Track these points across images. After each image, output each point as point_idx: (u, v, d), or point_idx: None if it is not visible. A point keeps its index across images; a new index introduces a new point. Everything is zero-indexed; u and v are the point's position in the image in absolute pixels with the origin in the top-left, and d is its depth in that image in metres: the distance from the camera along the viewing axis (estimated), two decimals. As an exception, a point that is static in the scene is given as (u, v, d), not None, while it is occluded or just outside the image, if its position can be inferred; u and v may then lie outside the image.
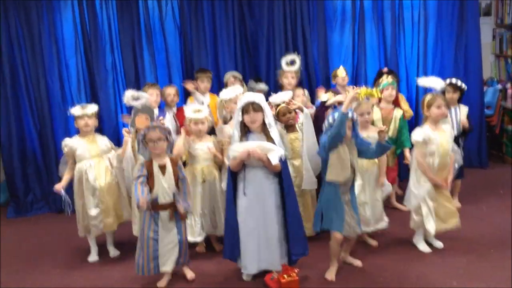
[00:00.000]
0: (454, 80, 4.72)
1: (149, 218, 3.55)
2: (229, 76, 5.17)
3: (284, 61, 5.18)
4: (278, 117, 4.17)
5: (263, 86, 5.11)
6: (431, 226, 3.92)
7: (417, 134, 3.90)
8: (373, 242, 4.20)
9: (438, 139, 3.86)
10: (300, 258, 3.67)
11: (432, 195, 3.90)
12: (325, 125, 3.51)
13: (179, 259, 3.66)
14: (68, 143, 4.12)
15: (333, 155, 3.44)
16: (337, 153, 3.43)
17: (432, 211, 3.91)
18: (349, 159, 3.46)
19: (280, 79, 5.17)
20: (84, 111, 4.10)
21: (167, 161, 3.56)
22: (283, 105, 4.14)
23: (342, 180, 3.47)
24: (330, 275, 3.65)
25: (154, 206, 3.53)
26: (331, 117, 3.46)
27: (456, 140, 4.78)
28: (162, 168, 3.53)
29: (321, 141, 3.53)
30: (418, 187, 3.94)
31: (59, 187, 4.15)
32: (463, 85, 4.73)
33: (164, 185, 3.51)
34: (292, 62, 5.16)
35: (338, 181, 3.46)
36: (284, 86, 5.09)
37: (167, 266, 3.62)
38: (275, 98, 4.18)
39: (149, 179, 3.51)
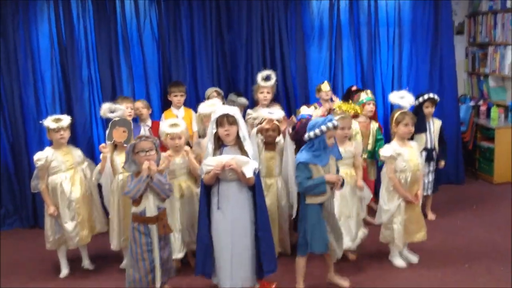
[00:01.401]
0: (431, 95, 4.87)
1: (139, 233, 3.47)
2: (212, 91, 5.15)
3: (260, 76, 5.18)
4: (261, 130, 4.16)
5: (243, 100, 5.10)
6: (400, 242, 3.98)
7: (385, 150, 3.98)
8: (352, 256, 4.21)
9: (406, 154, 3.95)
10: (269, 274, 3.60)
11: (402, 210, 3.95)
12: (308, 135, 3.47)
13: (163, 278, 3.54)
14: (42, 156, 4.03)
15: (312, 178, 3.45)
16: (315, 175, 3.43)
17: (402, 226, 3.96)
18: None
19: (255, 95, 5.17)
20: (60, 124, 4.02)
21: None
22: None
23: (322, 201, 3.47)
24: None
25: (142, 219, 3.45)
26: (317, 129, 3.42)
27: (430, 153, 4.89)
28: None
29: (299, 154, 3.52)
30: (388, 203, 4.00)
31: (52, 211, 4.05)
32: (436, 97, 4.90)
33: (151, 197, 3.44)
34: (267, 78, 5.16)
35: (318, 202, 3.46)
36: (259, 101, 5.10)
37: (157, 283, 3.52)
38: (269, 112, 4.16)
39: None
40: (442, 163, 5.08)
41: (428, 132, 4.91)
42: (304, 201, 3.52)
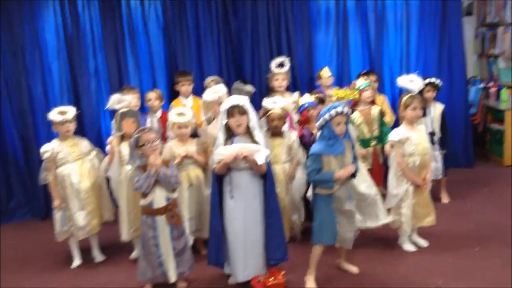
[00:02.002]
0: (433, 80, 4.83)
1: (146, 225, 3.52)
2: (209, 81, 5.16)
3: (273, 63, 5.18)
4: (267, 121, 4.16)
5: (250, 88, 5.10)
6: (408, 226, 3.98)
7: (394, 135, 3.96)
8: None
9: (415, 138, 3.92)
10: (279, 263, 3.60)
11: (410, 195, 3.95)
12: (317, 125, 3.47)
13: (179, 270, 3.59)
14: (49, 148, 4.05)
15: (322, 169, 3.43)
16: (326, 166, 3.41)
17: (410, 211, 3.95)
18: (338, 168, 3.43)
19: (270, 82, 5.16)
20: (65, 117, 4.04)
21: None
22: (274, 111, 4.12)
23: (330, 193, 3.46)
24: (311, 283, 3.61)
25: (150, 211, 3.49)
26: (321, 120, 3.41)
27: (430, 138, 4.85)
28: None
29: (311, 152, 3.49)
30: (397, 188, 3.99)
31: (57, 205, 4.11)
32: (437, 82, 4.86)
33: (158, 188, 3.47)
34: (281, 64, 5.16)
35: (328, 193, 3.45)
36: (274, 89, 5.09)
37: (171, 276, 3.58)
38: (271, 104, 4.17)
39: None
40: (444, 152, 5.02)
41: (428, 116, 4.87)
42: (314, 190, 3.53)
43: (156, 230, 3.51)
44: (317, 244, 3.57)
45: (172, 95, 5.48)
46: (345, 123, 3.43)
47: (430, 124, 4.88)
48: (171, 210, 3.52)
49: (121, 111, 4.09)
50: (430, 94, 4.85)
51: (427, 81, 4.78)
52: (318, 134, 3.53)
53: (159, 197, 3.49)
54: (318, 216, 3.53)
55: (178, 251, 3.57)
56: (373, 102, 4.73)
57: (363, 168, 4.20)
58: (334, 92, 4.20)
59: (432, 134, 4.87)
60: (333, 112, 3.36)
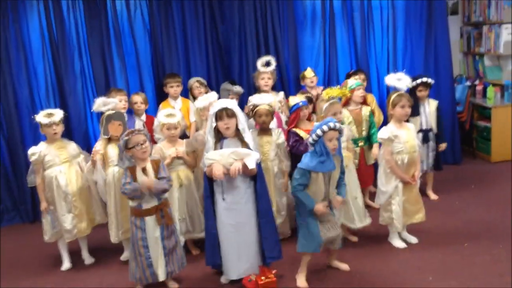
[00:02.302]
0: (425, 79, 4.87)
1: (135, 227, 3.50)
2: (194, 81, 5.15)
3: (259, 62, 5.19)
4: (255, 118, 4.16)
5: (238, 88, 5.11)
6: (399, 223, 4.00)
7: (383, 132, 3.98)
8: (353, 238, 4.23)
9: (404, 136, 3.95)
10: (273, 262, 3.63)
11: (400, 192, 3.97)
12: (309, 141, 3.44)
13: (168, 269, 3.58)
14: (36, 151, 4.02)
15: (310, 184, 3.43)
16: (314, 182, 3.41)
17: (400, 207, 3.97)
18: (322, 185, 3.43)
19: (256, 81, 5.17)
20: (52, 119, 4.00)
21: (147, 165, 3.51)
22: (262, 107, 4.11)
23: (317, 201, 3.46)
24: (302, 282, 3.61)
25: (139, 212, 3.48)
26: (313, 135, 3.39)
27: (426, 134, 4.89)
28: (145, 172, 3.48)
29: (304, 158, 3.48)
30: (386, 185, 4.01)
31: (43, 208, 4.08)
32: (429, 80, 4.90)
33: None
34: (267, 63, 5.17)
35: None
36: (260, 88, 5.09)
37: (160, 275, 3.56)
38: (258, 99, 4.17)
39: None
40: (443, 145, 5.09)
41: (423, 114, 4.92)
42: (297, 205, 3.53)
43: (145, 231, 3.49)
44: (303, 252, 3.57)
45: (158, 97, 5.46)
46: (337, 138, 3.41)
47: (425, 121, 4.93)
48: (162, 209, 3.51)
49: (106, 113, 4.06)
50: (423, 93, 4.89)
51: (419, 80, 4.84)
52: (310, 148, 3.50)
53: (148, 198, 3.47)
54: (302, 226, 3.53)
55: (168, 250, 3.56)
56: (364, 102, 4.74)
57: (352, 169, 4.19)
58: (326, 91, 4.21)
59: (428, 131, 4.93)
60: (325, 127, 3.33)
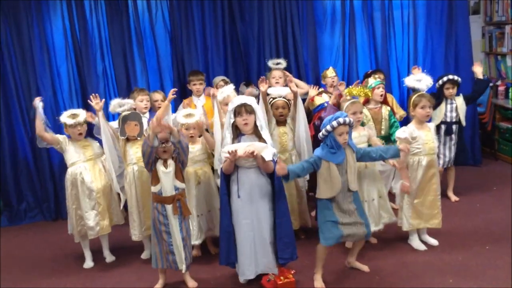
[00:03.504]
0: (450, 77, 4.87)
1: (157, 212, 3.56)
2: (219, 80, 5.18)
3: (271, 62, 5.21)
4: (271, 109, 4.18)
5: (252, 90, 5.11)
6: (406, 222, 4.00)
7: (401, 132, 3.97)
8: (373, 240, 4.22)
9: (423, 137, 3.93)
10: (288, 263, 3.61)
11: (413, 193, 3.95)
12: (320, 135, 3.47)
13: (187, 261, 3.62)
14: (63, 141, 4.15)
15: (320, 175, 3.45)
16: (325, 172, 3.43)
17: (409, 207, 3.97)
18: (338, 175, 3.43)
19: (268, 81, 5.16)
20: (77, 120, 4.08)
21: (169, 160, 3.56)
22: (279, 99, 4.14)
23: (331, 196, 3.47)
24: (319, 283, 3.61)
25: (160, 199, 3.54)
26: (324, 130, 3.43)
27: (449, 127, 4.90)
28: (165, 162, 3.54)
29: (314, 155, 3.51)
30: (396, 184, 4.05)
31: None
32: (456, 78, 4.89)
33: (165, 175, 3.51)
34: (278, 64, 5.18)
35: (328, 197, 3.47)
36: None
37: (181, 264, 3.60)
38: (274, 90, 4.22)
39: (154, 172, 3.53)
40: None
41: (446, 108, 4.92)
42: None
43: (167, 217, 3.54)
44: (321, 244, 3.57)
45: (178, 97, 5.51)
46: (347, 133, 3.44)
47: (450, 115, 4.92)
48: (179, 200, 3.55)
49: (122, 114, 4.12)
50: (450, 91, 4.88)
51: (445, 78, 4.86)
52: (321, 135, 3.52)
53: (167, 185, 3.52)
54: (320, 219, 3.54)
55: (185, 242, 3.60)
56: (384, 102, 4.72)
57: (372, 170, 4.14)
58: (347, 90, 4.21)
59: (451, 123, 4.92)
60: (335, 123, 3.36)
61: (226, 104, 4.04)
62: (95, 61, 5.44)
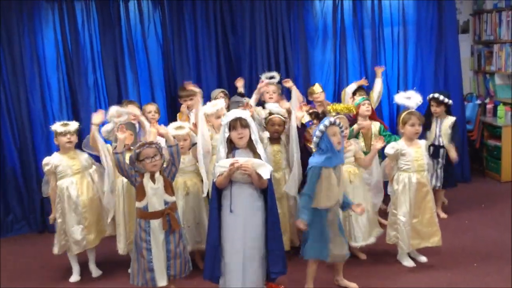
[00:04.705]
0: (436, 95, 4.94)
1: (140, 228, 3.50)
2: (218, 92, 5.17)
3: (263, 77, 5.20)
4: (267, 125, 4.19)
5: (247, 100, 5.11)
6: (404, 244, 3.98)
7: (390, 147, 4.00)
8: (362, 256, 4.21)
9: (412, 154, 3.95)
10: (278, 277, 3.59)
11: (407, 213, 3.94)
12: (314, 140, 3.48)
13: (170, 272, 3.55)
14: (49, 161, 4.08)
15: (322, 182, 3.43)
16: (326, 179, 3.42)
17: (406, 228, 3.94)
18: (336, 189, 3.45)
19: (262, 96, 5.17)
20: (67, 128, 4.07)
21: (156, 174, 3.52)
22: (277, 116, 4.15)
23: (330, 206, 3.47)
24: None
25: (145, 215, 3.48)
26: (317, 132, 3.44)
27: (436, 150, 4.92)
28: (152, 176, 3.50)
29: (310, 166, 3.48)
30: (398, 210, 4.00)
31: (53, 218, 4.14)
32: (446, 100, 4.93)
33: (154, 191, 3.46)
34: (271, 78, 5.18)
35: (327, 207, 3.46)
36: (266, 102, 5.09)
37: (161, 280, 3.53)
38: (274, 108, 4.24)
39: (139, 187, 3.47)
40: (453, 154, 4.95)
41: (435, 130, 4.98)
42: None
43: (150, 234, 3.48)
44: (310, 258, 3.55)
45: (170, 109, 5.51)
46: (340, 133, 3.46)
47: (437, 137, 4.98)
48: (168, 214, 3.51)
49: (119, 123, 4.09)
50: (435, 109, 4.97)
51: (430, 96, 4.97)
52: (314, 146, 3.54)
53: (156, 201, 3.47)
54: (311, 231, 3.51)
55: (173, 254, 3.53)
56: (372, 117, 4.75)
57: (359, 185, 4.15)
58: (331, 106, 4.24)
59: (439, 147, 4.96)
60: (327, 122, 3.40)
61: (219, 117, 4.04)
62: (86, 73, 5.42)
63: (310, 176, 3.45)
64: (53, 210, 4.13)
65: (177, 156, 3.56)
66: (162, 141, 3.82)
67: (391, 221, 4.06)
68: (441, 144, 4.97)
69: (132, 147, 3.98)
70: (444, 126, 4.97)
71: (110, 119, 4.23)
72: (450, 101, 4.96)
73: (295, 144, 4.13)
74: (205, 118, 4.36)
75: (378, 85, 5.21)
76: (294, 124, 4.12)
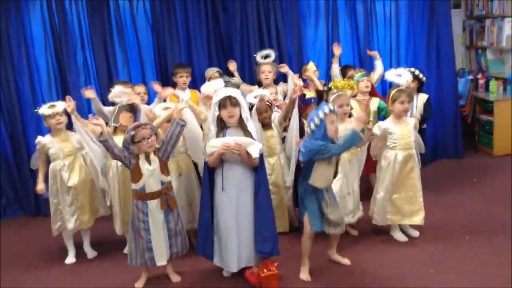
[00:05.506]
0: (412, 69, 4.77)
1: (137, 209, 3.51)
2: (213, 72, 5.13)
3: (259, 55, 5.17)
4: (255, 115, 4.15)
5: (236, 80, 5.09)
6: (378, 216, 4.06)
7: (376, 128, 3.98)
8: (354, 232, 4.25)
9: (398, 132, 3.94)
10: (268, 258, 3.59)
11: (386, 188, 3.98)
12: (309, 128, 3.44)
13: (172, 250, 3.60)
14: (42, 140, 4.07)
15: (319, 164, 3.42)
16: (322, 162, 3.41)
17: (381, 202, 4.00)
18: (334, 166, 3.48)
19: (257, 75, 5.14)
20: (55, 109, 4.02)
21: (151, 154, 3.52)
22: (260, 104, 4.11)
23: (325, 186, 3.49)
24: (304, 275, 3.63)
25: (142, 196, 3.49)
26: (315, 118, 3.39)
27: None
28: (147, 157, 3.50)
29: (305, 147, 3.44)
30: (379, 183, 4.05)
31: (41, 187, 4.10)
32: (421, 75, 4.83)
33: (151, 173, 3.47)
34: (266, 57, 5.15)
35: (322, 187, 3.47)
36: (261, 82, 5.07)
37: (161, 260, 3.57)
38: (255, 97, 4.15)
39: (135, 169, 3.47)
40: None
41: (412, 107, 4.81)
42: (305, 181, 3.52)
43: (148, 214, 3.50)
44: (309, 231, 3.55)
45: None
46: (336, 122, 3.45)
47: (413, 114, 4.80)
48: (165, 194, 3.52)
49: (121, 103, 4.09)
50: (411, 86, 4.81)
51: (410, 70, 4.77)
52: (308, 131, 3.51)
53: (152, 182, 3.48)
54: (309, 203, 3.52)
55: (173, 232, 3.57)
56: (372, 93, 4.74)
57: (354, 163, 4.16)
58: (332, 83, 4.22)
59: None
60: (326, 109, 3.35)
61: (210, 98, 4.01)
62: (75, 53, 5.34)
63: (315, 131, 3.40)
64: (41, 180, 4.11)
65: (177, 136, 3.57)
66: (189, 113, 3.90)
67: (373, 197, 4.13)
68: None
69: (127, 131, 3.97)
70: (419, 103, 4.84)
71: (113, 98, 4.19)
72: (424, 78, 4.87)
73: (296, 131, 4.07)
74: (202, 98, 4.33)
75: (380, 68, 5.13)
76: (296, 117, 4.04)
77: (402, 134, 3.95)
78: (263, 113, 4.11)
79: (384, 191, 4.00)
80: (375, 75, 5.13)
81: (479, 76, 6.41)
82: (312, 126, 3.40)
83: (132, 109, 4.10)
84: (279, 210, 4.16)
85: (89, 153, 4.08)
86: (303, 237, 3.60)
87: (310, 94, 4.53)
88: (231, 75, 5.26)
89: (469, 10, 6.62)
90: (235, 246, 3.51)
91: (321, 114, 3.36)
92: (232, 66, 5.24)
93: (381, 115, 4.70)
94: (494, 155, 6.01)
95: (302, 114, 4.31)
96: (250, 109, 4.10)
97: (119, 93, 4.19)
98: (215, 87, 4.11)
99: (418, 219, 4.03)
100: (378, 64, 5.15)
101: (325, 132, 3.38)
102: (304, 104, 4.38)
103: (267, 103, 4.13)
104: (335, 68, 5.10)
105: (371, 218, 4.21)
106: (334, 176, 3.59)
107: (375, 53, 5.21)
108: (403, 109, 3.96)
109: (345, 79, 4.86)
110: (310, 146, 3.38)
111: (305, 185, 3.52)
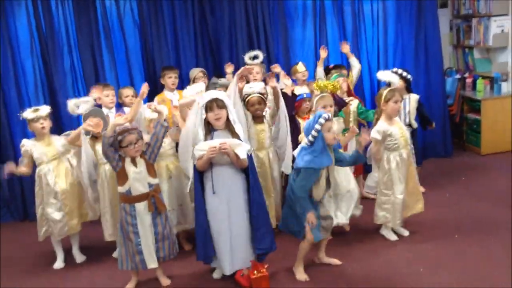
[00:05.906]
0: (395, 69, 4.78)
1: (125, 213, 3.48)
2: (197, 72, 5.11)
3: (247, 56, 5.16)
4: (247, 107, 4.15)
5: (224, 80, 5.07)
6: (393, 222, 4.04)
7: (375, 133, 3.94)
8: (346, 227, 4.25)
9: (396, 132, 3.95)
10: (268, 253, 3.62)
11: (397, 193, 3.97)
12: (309, 138, 3.39)
13: (159, 254, 3.57)
14: (26, 143, 4.03)
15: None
16: (317, 182, 3.42)
17: (395, 207, 3.98)
18: (324, 180, 3.46)
19: (246, 77, 5.12)
20: (39, 114, 3.97)
21: (138, 158, 3.50)
22: (253, 95, 4.11)
23: (319, 198, 3.50)
24: (301, 275, 3.62)
25: (129, 199, 3.46)
26: (313, 132, 3.35)
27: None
28: (133, 160, 3.47)
29: (299, 157, 3.43)
30: (388, 190, 4.02)
31: (20, 170, 4.05)
32: (405, 74, 4.77)
33: (137, 176, 3.44)
34: (255, 57, 5.14)
35: (316, 199, 3.48)
36: (249, 82, 5.05)
37: (151, 262, 3.55)
38: (250, 87, 4.16)
39: (121, 172, 3.44)
40: (433, 124, 5.03)
41: (402, 110, 4.70)
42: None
43: (136, 217, 3.47)
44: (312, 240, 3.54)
45: (148, 92, 5.42)
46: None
47: (404, 117, 4.75)
48: (153, 196, 3.49)
49: (84, 114, 4.02)
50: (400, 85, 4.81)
51: (394, 70, 4.75)
52: (303, 142, 3.49)
53: (138, 184, 3.45)
54: (301, 215, 3.47)
55: (161, 236, 3.54)
56: (349, 94, 4.74)
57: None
58: (315, 84, 4.22)
59: (407, 126, 4.81)
60: (322, 119, 3.33)
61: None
62: (62, 56, 5.30)
63: (308, 177, 3.37)
64: (20, 167, 4.05)
65: (162, 138, 3.55)
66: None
67: (380, 201, 4.07)
68: (408, 123, 4.79)
69: (102, 133, 3.91)
70: (411, 105, 4.81)
71: (72, 112, 4.11)
72: (409, 76, 4.81)
73: (286, 124, 4.04)
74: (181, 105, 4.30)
75: (356, 65, 5.16)
76: (283, 108, 4.02)
77: (400, 132, 3.97)
78: (255, 104, 4.10)
79: (400, 193, 3.97)
80: (354, 73, 5.14)
81: (467, 75, 6.45)
82: (310, 138, 3.38)
83: (98, 112, 4.03)
84: (268, 202, 4.11)
85: (84, 170, 4.00)
86: (303, 244, 3.59)
87: (301, 90, 4.52)
88: (219, 76, 5.23)
89: (456, 9, 6.66)
90: (227, 248, 3.51)
91: (317, 126, 3.33)
92: (229, 69, 5.17)
93: (360, 117, 4.70)
94: (482, 153, 6.05)
95: (297, 112, 4.33)
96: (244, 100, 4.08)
97: (75, 105, 4.08)
98: (197, 90, 4.10)
99: (420, 206, 4.11)
100: (353, 62, 5.17)
101: (323, 144, 3.36)
102: (296, 101, 4.37)
103: (260, 96, 4.11)
104: (320, 72, 5.10)
105: (360, 217, 4.21)
106: (329, 186, 3.57)
107: (346, 51, 5.21)
108: (397, 109, 3.96)
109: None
110: (300, 183, 3.38)
111: (296, 197, 3.47)
